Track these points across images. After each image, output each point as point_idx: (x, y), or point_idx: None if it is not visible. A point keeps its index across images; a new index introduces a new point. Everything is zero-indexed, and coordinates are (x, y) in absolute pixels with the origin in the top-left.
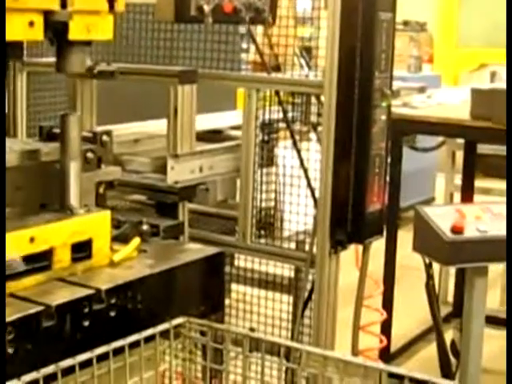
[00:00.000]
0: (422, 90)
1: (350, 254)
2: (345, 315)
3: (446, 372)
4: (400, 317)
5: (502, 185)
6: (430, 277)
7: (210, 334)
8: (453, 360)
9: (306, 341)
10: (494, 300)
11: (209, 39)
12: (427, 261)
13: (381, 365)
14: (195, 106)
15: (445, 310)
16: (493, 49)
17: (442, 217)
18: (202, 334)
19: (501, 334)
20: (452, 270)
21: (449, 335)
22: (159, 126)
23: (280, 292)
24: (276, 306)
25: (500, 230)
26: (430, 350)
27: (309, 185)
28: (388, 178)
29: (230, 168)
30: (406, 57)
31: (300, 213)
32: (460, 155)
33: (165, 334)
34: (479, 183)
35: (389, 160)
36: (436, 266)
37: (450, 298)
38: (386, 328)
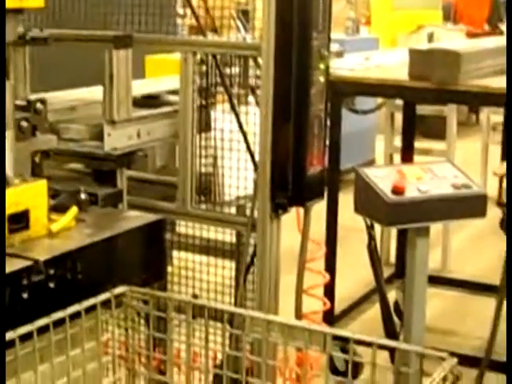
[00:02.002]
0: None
1: (291, 218)
2: (288, 279)
3: (390, 332)
4: (343, 279)
5: (441, 145)
6: (371, 238)
7: (153, 303)
8: (396, 320)
9: (249, 306)
10: (435, 260)
11: (143, 3)
12: (369, 222)
13: (325, 328)
14: (131, 71)
15: (387, 271)
16: (429, 10)
17: (382, 178)
18: (145, 302)
19: (442, 294)
20: (394, 231)
21: (392, 296)
22: (95, 92)
23: (222, 258)
24: (218, 271)
25: (441, 190)
26: (374, 312)
27: (248, 149)
28: (328, 141)
29: (168, 133)
30: (343, 19)
31: (240, 177)
32: (399, 117)
33: (106, 304)
34: (419, 144)
35: (328, 122)
36: (378, 228)
37: (393, 259)
38: (329, 291)
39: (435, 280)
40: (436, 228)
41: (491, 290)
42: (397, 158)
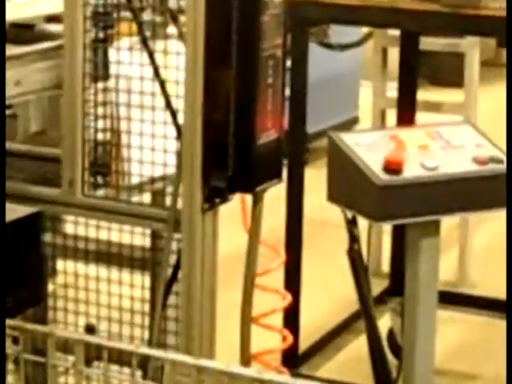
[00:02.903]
0: None
1: (233, 209)
2: (229, 301)
3: (383, 378)
4: (312, 300)
5: (457, 97)
6: (354, 239)
7: (25, 340)
8: (392, 359)
9: (171, 344)
10: (449, 269)
11: None
12: (349, 215)
13: (285, 376)
14: None
15: (378, 287)
16: None
17: (370, 148)
18: (14, 340)
19: (460, 319)
20: (387, 228)
21: (385, 322)
22: None
23: (130, 270)
24: (125, 291)
25: (457, 166)
26: (358, 347)
27: (168, 106)
28: (288, 92)
29: (47, 83)
30: None
31: (156, 149)
32: (395, 54)
33: None
34: (424, 95)
35: (289, 64)
36: (364, 223)
37: (386, 269)
38: (292, 318)
39: (449, 298)
40: (450, 223)
41: None
42: (391, 115)
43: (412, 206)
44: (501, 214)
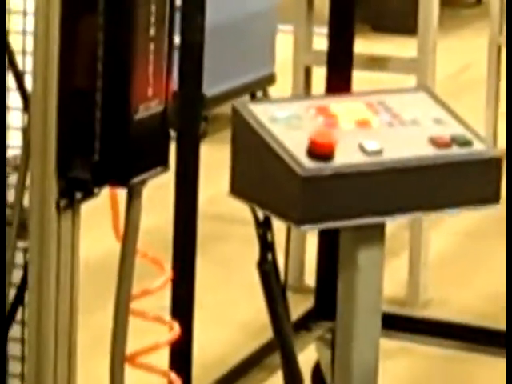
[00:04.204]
0: None
1: (101, 208)
2: (96, 333)
3: None
4: (209, 329)
5: (407, 48)
6: (267, 246)
7: None
8: None
9: None
10: (395, 283)
11: None
12: (261, 216)
13: None
14: None
15: (300, 307)
16: None
17: (289, 124)
18: None
19: (411, 351)
20: (313, 233)
21: (309, 355)
22: None
23: None
24: None
25: (409, 149)
26: None
27: (11, 65)
28: (178, 42)
29: None
30: None
31: None
32: None
33: None
34: (364, 46)
35: (179, 5)
36: (280, 224)
37: (310, 282)
38: (181, 355)
39: (397, 323)
40: (398, 226)
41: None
42: (319, 74)
43: (347, 204)
44: (463, 215)
